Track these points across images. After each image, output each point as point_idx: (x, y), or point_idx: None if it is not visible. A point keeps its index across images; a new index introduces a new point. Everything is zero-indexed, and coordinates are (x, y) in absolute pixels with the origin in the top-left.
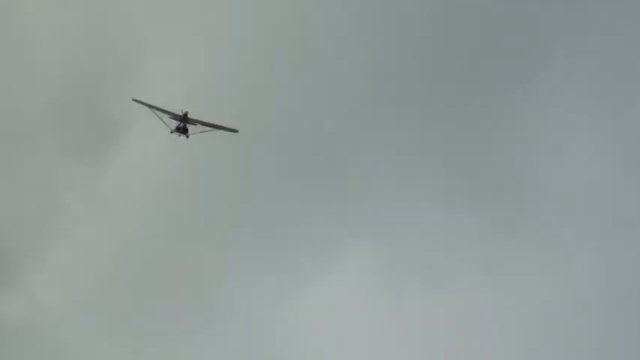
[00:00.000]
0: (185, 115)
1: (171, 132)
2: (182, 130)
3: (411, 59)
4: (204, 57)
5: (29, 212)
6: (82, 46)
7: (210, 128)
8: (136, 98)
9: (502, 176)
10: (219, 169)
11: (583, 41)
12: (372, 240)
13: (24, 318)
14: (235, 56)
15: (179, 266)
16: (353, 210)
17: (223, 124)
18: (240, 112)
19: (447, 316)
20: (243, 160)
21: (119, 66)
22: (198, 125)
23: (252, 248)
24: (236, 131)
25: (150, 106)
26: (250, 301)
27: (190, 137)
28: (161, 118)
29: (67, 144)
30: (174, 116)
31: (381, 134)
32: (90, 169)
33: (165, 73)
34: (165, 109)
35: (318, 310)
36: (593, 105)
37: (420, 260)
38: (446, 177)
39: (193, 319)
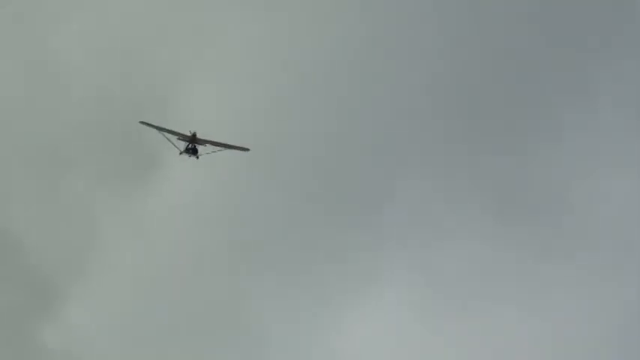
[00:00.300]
0: (194, 135)
1: (181, 153)
2: (192, 151)
3: (452, 86)
4: (241, 83)
5: (68, 238)
6: (119, 71)
7: (220, 148)
8: (144, 120)
9: (539, 201)
10: (259, 201)
11: (629, 64)
12: (408, 271)
13: (62, 343)
14: (271, 83)
15: (217, 294)
16: (390, 242)
17: (234, 144)
18: (277, 143)
19: (485, 345)
20: (282, 191)
21: (156, 91)
22: (208, 145)
23: (289, 279)
24: (247, 150)
25: (158, 128)
26: (288, 332)
27: (201, 158)
28: (170, 140)
29: (106, 170)
30: (182, 137)
31: (418, 164)
32: (129, 194)
33: (203, 98)
34: (173, 129)
35: (357, 341)
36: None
37: (457, 289)
38: (481, 204)
39: (230, 348)
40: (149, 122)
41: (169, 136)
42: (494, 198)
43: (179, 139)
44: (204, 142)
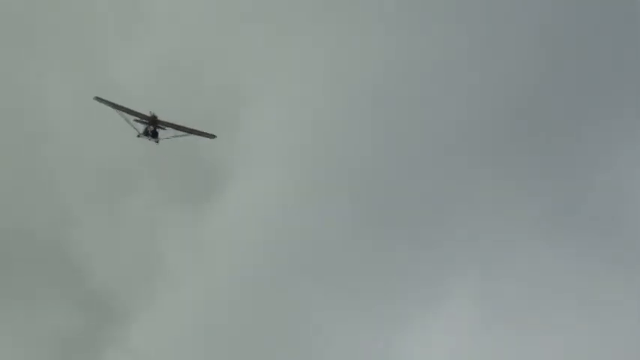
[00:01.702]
0: (153, 117)
1: (139, 136)
2: (152, 134)
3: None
4: (303, 106)
5: (131, 261)
6: (179, 94)
7: (183, 133)
8: (99, 96)
9: (607, 210)
10: (319, 217)
11: None
12: (478, 277)
13: None
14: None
15: (280, 316)
16: (458, 249)
17: (198, 128)
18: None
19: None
20: (343, 208)
21: (217, 114)
22: (169, 129)
23: (355, 290)
24: (214, 136)
25: (114, 106)
26: (355, 344)
27: (162, 142)
28: (127, 120)
29: (167, 192)
30: (141, 118)
31: (482, 171)
32: (190, 216)
33: (266, 121)
34: (131, 108)
35: (428, 348)
36: None
37: (525, 297)
38: (550, 212)
39: None
40: (104, 98)
41: (127, 116)
42: (562, 207)
43: (137, 120)
44: (165, 125)
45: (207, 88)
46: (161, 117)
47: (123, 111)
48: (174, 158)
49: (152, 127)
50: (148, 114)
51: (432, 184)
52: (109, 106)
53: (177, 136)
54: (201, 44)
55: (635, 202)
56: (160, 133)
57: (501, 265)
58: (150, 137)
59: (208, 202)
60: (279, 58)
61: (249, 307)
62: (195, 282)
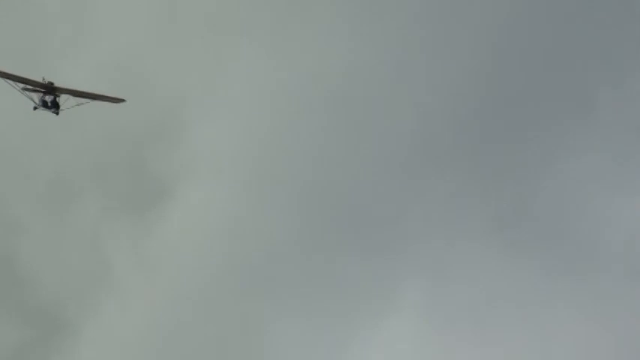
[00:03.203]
0: (50, 84)
1: (35, 108)
2: (50, 105)
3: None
4: (250, 114)
5: (77, 270)
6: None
7: (86, 100)
8: None
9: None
10: (268, 227)
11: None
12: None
13: None
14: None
15: (228, 328)
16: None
17: (105, 94)
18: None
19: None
20: (296, 215)
21: (162, 124)
22: (71, 98)
23: (305, 301)
24: (122, 100)
25: (2, 75)
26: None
27: (62, 113)
28: (15, 87)
29: (113, 200)
30: (35, 87)
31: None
32: (136, 227)
33: (212, 130)
34: (23, 76)
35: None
36: None
37: (473, 306)
38: (498, 220)
39: None
40: None
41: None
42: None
43: (28, 89)
44: (64, 92)
45: (153, 96)
46: (59, 84)
47: (13, 79)
48: (119, 166)
49: (51, 96)
50: (42, 81)
51: (381, 192)
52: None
53: (80, 105)
54: (147, 52)
55: (581, 209)
56: (62, 102)
57: (449, 275)
58: (49, 108)
59: (155, 211)
60: (226, 64)
61: (196, 318)
62: (142, 292)
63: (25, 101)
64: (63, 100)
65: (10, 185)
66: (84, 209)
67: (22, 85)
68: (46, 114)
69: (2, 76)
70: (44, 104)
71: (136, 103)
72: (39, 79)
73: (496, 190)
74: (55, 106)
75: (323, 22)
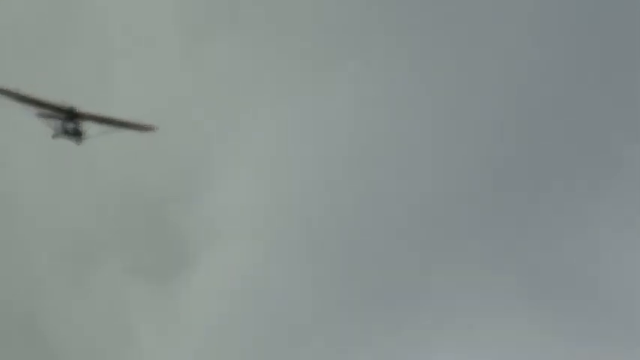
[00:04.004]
0: (71, 110)
1: (55, 136)
2: (72, 133)
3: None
4: (273, 175)
5: (95, 334)
6: (147, 163)
7: (112, 128)
8: None
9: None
10: (292, 290)
11: None
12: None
13: None
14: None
15: None
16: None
17: (133, 121)
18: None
19: None
20: (320, 277)
21: (185, 184)
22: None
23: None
24: (153, 129)
25: (20, 98)
26: None
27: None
28: (32, 114)
29: (134, 264)
30: (56, 112)
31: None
32: (159, 289)
33: (234, 192)
34: (43, 100)
35: None
36: None
37: None
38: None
39: None
40: (3, 88)
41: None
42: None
43: (44, 115)
44: (88, 118)
45: (175, 156)
46: (82, 109)
47: (31, 104)
48: (140, 227)
49: (71, 122)
50: (64, 106)
51: (404, 256)
52: (13, 99)
53: (105, 133)
54: (168, 112)
55: (609, 267)
56: (84, 128)
57: (478, 336)
58: (70, 137)
59: (178, 272)
60: (247, 124)
61: None
62: (165, 356)
63: (45, 146)
64: (86, 127)
65: (32, 243)
66: (105, 270)
67: (39, 111)
68: (66, 150)
69: (17, 100)
70: (65, 132)
71: (156, 164)
72: (58, 103)
73: (525, 250)
74: (76, 135)
75: (344, 81)
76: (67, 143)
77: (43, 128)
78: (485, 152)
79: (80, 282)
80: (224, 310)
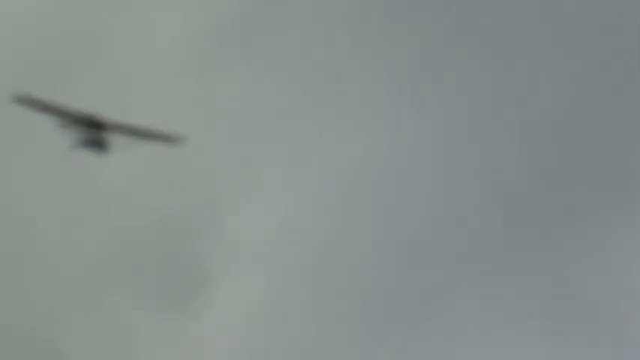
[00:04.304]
0: (94, 118)
1: (74, 148)
2: (94, 144)
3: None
4: (288, 203)
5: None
6: (165, 187)
7: (140, 139)
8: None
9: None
10: (310, 323)
11: None
12: None
13: None
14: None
15: None
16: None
17: (162, 131)
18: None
19: None
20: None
21: (198, 214)
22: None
23: None
24: (184, 141)
25: (39, 105)
26: None
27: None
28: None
29: (149, 290)
30: (78, 121)
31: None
32: (173, 318)
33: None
34: (65, 108)
35: None
36: None
37: None
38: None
39: None
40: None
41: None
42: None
43: (63, 125)
44: (113, 128)
45: (189, 184)
46: (105, 118)
47: (51, 112)
48: (154, 256)
49: (94, 133)
50: (86, 114)
51: (416, 290)
52: (33, 107)
53: (132, 145)
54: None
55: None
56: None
57: None
58: (93, 148)
59: (194, 299)
60: (265, 157)
61: None
62: None
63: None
64: (110, 138)
65: (45, 271)
66: (118, 300)
67: (58, 120)
68: (81, 170)
69: (41, 109)
70: (86, 143)
71: (176, 187)
72: (80, 111)
73: (546, 276)
74: (99, 146)
75: (357, 115)
76: (85, 160)
77: (57, 145)
78: (493, 175)
79: (95, 307)
80: (240, 336)
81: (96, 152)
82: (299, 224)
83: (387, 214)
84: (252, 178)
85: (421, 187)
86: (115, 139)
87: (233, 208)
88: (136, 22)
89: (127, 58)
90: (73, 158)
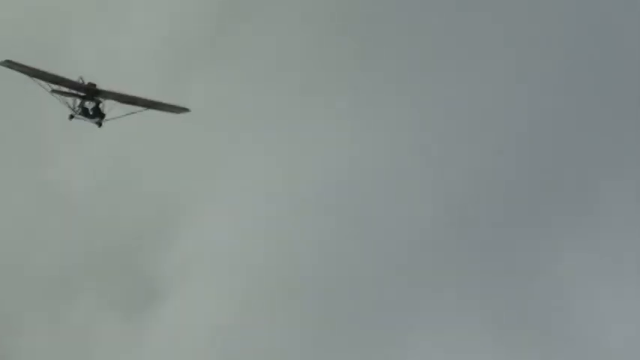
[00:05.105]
0: (91, 86)
1: (72, 117)
2: (92, 113)
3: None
4: (248, 214)
5: None
6: (122, 200)
7: (138, 108)
8: (10, 60)
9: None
10: (264, 329)
11: None
12: None
13: None
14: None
15: None
16: None
17: (164, 101)
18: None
19: None
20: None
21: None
22: (118, 105)
23: None
24: (186, 110)
25: (32, 72)
26: None
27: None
28: (40, 84)
29: (108, 299)
30: (73, 89)
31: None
32: (130, 327)
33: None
34: (57, 74)
35: None
36: None
37: None
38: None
39: None
40: (17, 62)
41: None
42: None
43: (62, 92)
44: (111, 96)
45: (149, 194)
46: (102, 86)
47: (44, 79)
48: (114, 265)
49: (91, 101)
50: (80, 81)
51: (384, 299)
52: (24, 72)
53: (132, 113)
54: (141, 149)
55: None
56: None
57: None
58: (90, 118)
59: (148, 313)
60: (223, 161)
61: None
62: None
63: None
64: (108, 107)
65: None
66: (79, 309)
67: (54, 87)
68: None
69: (34, 76)
70: (84, 112)
71: (130, 201)
72: (78, 80)
73: (494, 294)
74: (97, 115)
75: (326, 120)
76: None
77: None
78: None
79: (55, 319)
80: (191, 352)
81: (93, 121)
82: (254, 235)
83: (346, 225)
84: (207, 187)
85: (381, 196)
86: (111, 109)
87: (188, 218)
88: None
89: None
90: (71, 126)
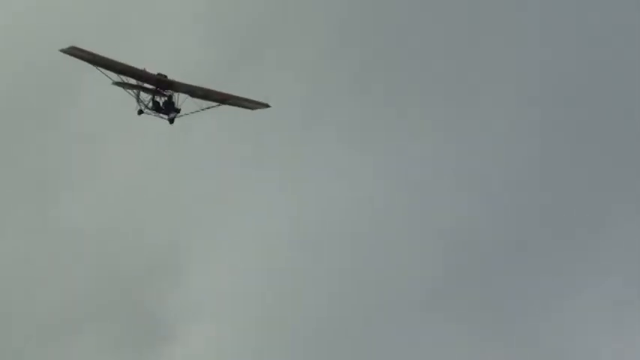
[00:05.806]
0: (161, 77)
1: (141, 112)
2: (164, 107)
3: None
4: (252, 254)
5: None
6: (126, 239)
7: (212, 103)
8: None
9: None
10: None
11: None
12: None
13: None
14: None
15: None
16: None
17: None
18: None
19: None
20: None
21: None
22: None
23: None
24: (266, 106)
25: (92, 59)
26: None
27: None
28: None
29: (111, 339)
30: (141, 80)
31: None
32: None
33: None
34: (120, 61)
35: None
36: None
37: None
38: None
39: None
40: (80, 47)
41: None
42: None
43: (131, 85)
44: (185, 89)
45: (153, 235)
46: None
47: (111, 69)
48: (118, 306)
49: (163, 95)
50: (148, 71)
51: (389, 335)
52: (89, 61)
53: (209, 107)
54: (144, 199)
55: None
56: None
57: None
58: (162, 113)
59: (153, 354)
60: (227, 202)
61: None
62: None
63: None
64: (180, 100)
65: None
66: (82, 349)
67: (119, 79)
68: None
69: (94, 63)
70: (155, 107)
71: (135, 242)
72: (147, 71)
73: (500, 331)
74: (170, 110)
75: (329, 157)
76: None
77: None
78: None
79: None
80: None
81: (165, 117)
82: (258, 280)
83: (341, 267)
84: (212, 233)
85: (371, 242)
86: (183, 102)
87: (196, 256)
88: None
89: None
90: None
